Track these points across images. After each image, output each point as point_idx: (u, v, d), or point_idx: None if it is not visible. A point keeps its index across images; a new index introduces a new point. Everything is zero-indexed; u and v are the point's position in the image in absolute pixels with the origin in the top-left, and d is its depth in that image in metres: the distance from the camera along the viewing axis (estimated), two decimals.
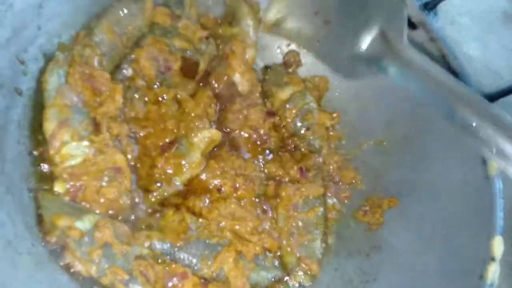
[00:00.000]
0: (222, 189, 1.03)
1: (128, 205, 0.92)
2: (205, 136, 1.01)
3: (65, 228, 0.83)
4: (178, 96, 1.04)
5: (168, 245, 0.91)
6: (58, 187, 0.88)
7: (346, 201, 1.12)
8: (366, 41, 0.87)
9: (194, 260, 0.92)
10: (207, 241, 0.94)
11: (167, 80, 1.05)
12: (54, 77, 0.94)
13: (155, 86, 1.04)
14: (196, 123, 1.02)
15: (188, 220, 0.95)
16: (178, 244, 0.92)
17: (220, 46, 1.11)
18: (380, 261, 1.01)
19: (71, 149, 0.89)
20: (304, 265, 1.02)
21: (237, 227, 0.99)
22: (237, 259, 0.94)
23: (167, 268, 0.89)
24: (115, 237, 0.85)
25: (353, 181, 1.13)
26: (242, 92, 1.08)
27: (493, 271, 0.85)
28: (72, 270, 0.83)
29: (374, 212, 1.07)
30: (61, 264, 0.83)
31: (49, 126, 0.90)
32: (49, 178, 0.91)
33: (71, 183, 0.89)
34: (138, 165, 0.98)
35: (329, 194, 1.12)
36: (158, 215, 0.95)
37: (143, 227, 0.94)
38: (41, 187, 0.89)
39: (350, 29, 0.88)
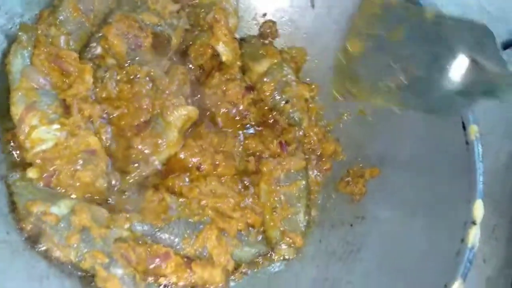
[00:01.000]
0: (202, 166, 1.01)
1: (104, 188, 0.90)
2: (181, 113, 0.99)
3: (40, 214, 0.81)
4: (152, 73, 1.01)
5: (149, 226, 0.90)
6: (31, 173, 0.86)
7: (327, 173, 1.11)
8: (457, 76, 0.82)
9: (176, 240, 0.91)
10: (189, 220, 0.93)
11: (138, 57, 1.01)
12: (18, 59, 0.90)
13: (126, 64, 1.00)
14: (172, 101, 0.99)
15: (168, 200, 0.93)
16: (158, 225, 0.90)
17: (201, 16, 1.07)
18: (364, 231, 1.00)
19: (41, 133, 0.86)
20: (288, 239, 1.01)
21: (218, 204, 0.98)
22: (219, 237, 0.93)
23: (148, 249, 0.87)
24: (93, 221, 0.83)
25: (334, 152, 1.12)
26: (227, 63, 1.05)
27: (474, 234, 0.85)
28: (50, 256, 0.81)
29: (356, 182, 1.06)
30: (38, 250, 0.81)
31: (16, 110, 0.87)
32: (20, 164, 0.88)
33: (44, 168, 0.86)
34: (113, 147, 0.95)
35: (310, 167, 1.10)
36: (136, 196, 0.93)
37: (122, 209, 0.91)
38: (14, 174, 0.86)
39: (434, 71, 0.82)
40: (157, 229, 0.90)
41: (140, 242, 0.88)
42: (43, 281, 0.77)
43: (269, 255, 1.01)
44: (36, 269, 0.78)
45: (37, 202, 0.82)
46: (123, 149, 0.97)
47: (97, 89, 0.97)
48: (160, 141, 0.97)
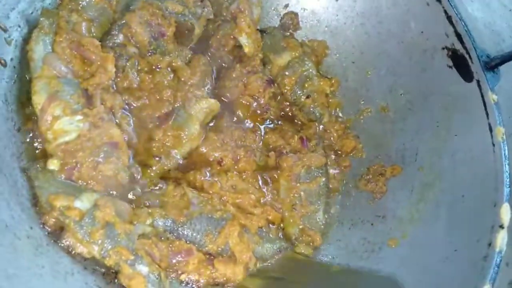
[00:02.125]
0: (223, 161, 0.99)
1: (126, 182, 0.88)
2: (203, 106, 0.97)
3: (64, 209, 0.78)
4: (173, 64, 0.98)
5: (171, 221, 0.88)
6: (52, 165, 0.83)
7: (347, 171, 1.10)
8: None
9: (198, 236, 0.89)
10: (210, 216, 0.91)
11: (160, 47, 0.98)
12: (39, 46, 0.86)
13: (148, 54, 0.97)
14: (194, 93, 0.97)
15: (189, 195, 0.91)
16: (181, 220, 0.88)
17: (224, 5, 1.04)
18: (385, 230, 0.99)
19: (64, 124, 0.83)
20: (306, 236, 1.00)
21: (239, 200, 0.96)
22: (241, 233, 0.91)
23: (171, 245, 0.85)
24: (117, 216, 0.81)
25: (354, 149, 1.10)
26: (249, 54, 1.03)
27: (502, 239, 0.85)
28: (73, 252, 0.79)
29: (377, 180, 1.05)
30: (62, 246, 0.78)
31: (38, 99, 0.83)
32: (42, 156, 0.85)
33: (66, 160, 0.83)
34: (134, 140, 0.93)
35: (330, 164, 1.09)
36: (158, 191, 0.91)
37: (144, 204, 0.89)
38: (35, 166, 0.83)
39: None
40: (179, 225, 0.88)
41: (162, 238, 0.86)
42: (68, 278, 0.75)
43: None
44: (60, 265, 0.76)
45: (60, 196, 0.79)
46: (144, 141, 0.94)
47: (118, 79, 0.93)
48: (182, 134, 0.95)
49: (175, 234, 0.88)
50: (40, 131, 0.83)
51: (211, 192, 0.95)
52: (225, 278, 0.89)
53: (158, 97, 0.95)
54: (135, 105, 0.94)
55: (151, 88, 0.95)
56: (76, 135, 0.83)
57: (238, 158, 1.00)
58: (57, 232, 0.79)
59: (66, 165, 0.83)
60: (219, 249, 0.90)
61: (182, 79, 0.98)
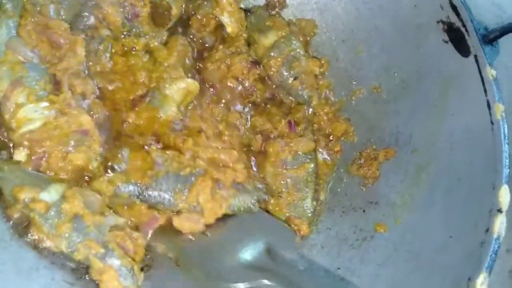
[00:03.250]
0: (203, 128, 0.92)
1: (97, 170, 0.83)
2: (180, 87, 0.91)
3: (29, 201, 0.74)
4: (150, 45, 0.93)
5: (134, 185, 0.83)
6: (19, 155, 0.78)
7: (338, 155, 1.05)
8: (250, 254, 0.85)
9: (167, 196, 0.84)
10: (178, 174, 0.85)
11: (135, 28, 0.93)
12: (2, 30, 0.82)
13: (122, 36, 0.92)
14: (170, 73, 0.91)
15: (153, 155, 0.85)
16: (145, 182, 0.83)
17: None
18: (378, 217, 0.94)
19: (28, 112, 0.79)
20: (293, 226, 0.95)
21: (217, 155, 0.90)
22: (213, 189, 0.85)
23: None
24: (86, 207, 0.76)
25: (345, 133, 1.05)
26: (232, 34, 0.97)
27: (500, 223, 0.79)
28: (40, 246, 0.75)
29: (369, 165, 1.00)
30: (27, 241, 0.74)
31: (1, 86, 0.79)
32: (7, 146, 0.81)
33: (33, 150, 0.79)
34: (107, 125, 0.88)
35: (320, 149, 1.04)
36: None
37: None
38: None
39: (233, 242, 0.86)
40: (144, 187, 0.83)
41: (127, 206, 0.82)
42: (32, 274, 0.71)
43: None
44: (24, 261, 0.72)
45: (25, 187, 0.75)
46: (117, 125, 0.89)
47: (90, 63, 0.88)
48: (157, 116, 0.90)
49: (141, 198, 0.83)
50: (3, 119, 0.79)
51: (184, 148, 0.88)
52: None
53: (132, 80, 0.90)
54: (107, 88, 0.89)
55: (125, 71, 0.90)
56: (42, 123, 0.79)
57: (221, 130, 0.94)
58: (22, 227, 0.75)
59: (33, 155, 0.79)
60: (191, 207, 0.84)
61: (159, 59, 0.92)
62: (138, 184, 0.83)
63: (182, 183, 0.84)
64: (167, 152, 0.86)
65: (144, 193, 0.83)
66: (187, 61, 0.96)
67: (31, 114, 0.79)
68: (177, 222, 0.83)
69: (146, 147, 0.87)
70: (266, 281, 0.79)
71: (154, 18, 0.97)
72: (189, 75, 0.95)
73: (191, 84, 0.92)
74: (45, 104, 0.80)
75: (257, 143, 0.98)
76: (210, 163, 0.87)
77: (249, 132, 1.00)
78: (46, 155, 0.80)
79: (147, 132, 0.90)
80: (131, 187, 0.82)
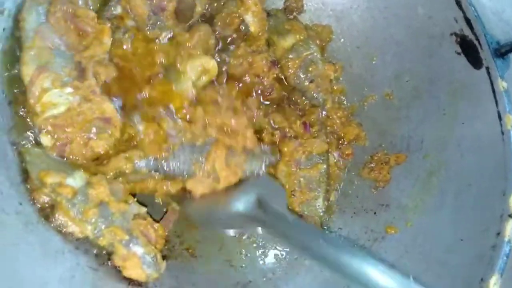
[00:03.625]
0: (219, 101, 0.93)
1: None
2: (197, 63, 0.90)
3: (55, 186, 0.74)
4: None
5: (152, 160, 0.83)
6: (45, 140, 0.78)
7: (349, 158, 1.07)
8: (243, 205, 0.89)
9: (186, 167, 0.85)
10: (193, 144, 0.86)
11: (160, 21, 0.94)
12: (32, 16, 0.82)
13: (146, 28, 0.93)
14: (189, 51, 0.91)
15: (165, 126, 0.85)
16: (163, 156, 0.84)
17: None
18: (389, 219, 0.97)
19: (53, 97, 0.79)
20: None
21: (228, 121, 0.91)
22: (228, 157, 0.87)
23: None
24: (111, 195, 0.77)
25: (357, 137, 1.07)
26: (254, 34, 0.99)
27: (511, 228, 0.82)
28: (65, 231, 0.75)
29: (380, 168, 1.02)
30: (53, 224, 0.74)
31: (27, 70, 0.79)
32: (33, 131, 0.80)
33: (56, 135, 0.79)
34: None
35: (332, 151, 1.06)
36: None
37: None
38: (26, 140, 0.78)
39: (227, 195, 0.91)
40: (162, 161, 0.83)
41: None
42: (58, 257, 0.71)
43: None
44: (50, 244, 0.72)
45: (51, 172, 0.75)
46: (132, 99, 0.89)
47: (112, 49, 0.88)
48: (171, 89, 0.89)
49: (160, 171, 0.84)
50: (28, 103, 0.79)
51: (194, 117, 0.88)
52: None
53: (150, 60, 0.90)
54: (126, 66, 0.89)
55: (143, 52, 0.90)
56: (66, 108, 0.79)
57: (234, 107, 0.95)
58: (48, 210, 0.75)
59: (58, 141, 0.79)
60: (209, 176, 0.86)
61: (180, 42, 0.92)
62: (156, 158, 0.83)
63: (198, 153, 0.85)
64: (179, 123, 0.86)
65: (164, 167, 0.84)
66: (209, 43, 0.95)
67: (56, 99, 0.79)
68: (191, 185, 0.85)
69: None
70: (259, 229, 0.84)
71: (177, 14, 0.98)
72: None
73: (209, 61, 0.91)
74: (70, 90, 0.80)
75: (275, 138, 0.99)
76: (220, 131, 0.88)
77: (261, 120, 1.00)
78: (69, 141, 0.79)
79: (160, 104, 0.90)
80: (149, 162, 0.83)
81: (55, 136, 0.80)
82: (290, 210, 0.91)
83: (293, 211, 0.94)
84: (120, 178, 0.82)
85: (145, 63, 0.91)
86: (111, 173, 0.82)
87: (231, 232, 0.92)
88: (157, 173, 0.84)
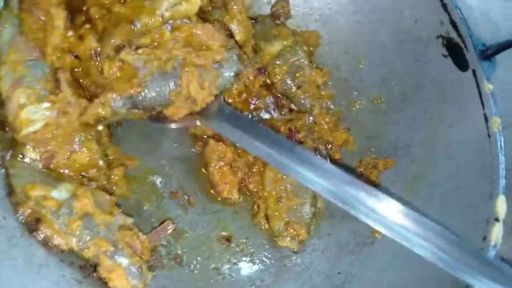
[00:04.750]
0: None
1: (104, 167, 0.84)
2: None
3: (40, 199, 0.75)
4: None
5: (127, 97, 0.81)
6: (30, 154, 0.79)
7: (337, 163, 1.07)
8: None
9: (162, 97, 0.84)
10: (163, 71, 0.83)
11: None
12: (7, 29, 0.81)
13: None
14: None
15: (129, 59, 0.80)
16: (136, 91, 0.81)
17: None
18: None
19: (30, 113, 0.79)
20: (292, 230, 0.97)
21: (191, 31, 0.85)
22: (200, 77, 0.84)
23: None
24: (96, 206, 0.77)
25: (345, 142, 1.07)
26: (240, 42, 0.99)
27: (497, 232, 0.82)
28: (49, 244, 0.75)
29: (369, 173, 1.03)
30: (37, 238, 0.75)
31: (4, 86, 0.79)
32: (16, 144, 0.81)
33: (40, 150, 0.79)
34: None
35: (319, 157, 1.06)
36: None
37: None
38: (11, 154, 0.79)
39: None
40: (138, 96, 0.82)
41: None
42: (42, 270, 0.72)
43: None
44: (34, 257, 0.72)
45: (36, 185, 0.75)
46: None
47: None
48: (144, 5, 0.83)
49: (139, 107, 0.83)
50: (7, 120, 0.79)
51: (162, 41, 0.84)
52: None
53: None
54: None
55: None
56: (43, 124, 0.79)
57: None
58: (33, 223, 0.75)
59: (43, 155, 0.79)
60: (185, 100, 0.85)
61: None
62: (130, 96, 0.82)
63: (170, 78, 0.83)
64: (140, 51, 0.82)
65: (141, 101, 0.82)
66: None
67: (33, 116, 0.79)
68: (170, 112, 0.85)
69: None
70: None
71: None
72: None
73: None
74: (46, 104, 0.80)
75: None
76: (186, 47, 0.85)
77: None
78: (55, 154, 0.80)
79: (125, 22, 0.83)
80: (124, 100, 0.81)
81: (38, 150, 0.80)
82: None
83: None
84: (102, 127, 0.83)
85: None
86: (92, 121, 0.81)
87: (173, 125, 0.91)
88: (136, 109, 0.83)
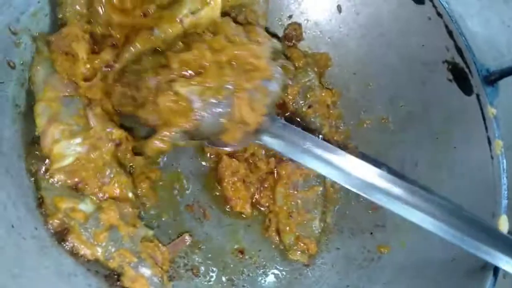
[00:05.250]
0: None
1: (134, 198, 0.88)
2: None
3: (68, 211, 0.79)
4: None
5: (183, 133, 0.82)
6: (60, 177, 0.83)
7: None
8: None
9: (216, 126, 0.84)
10: (216, 101, 0.81)
11: None
12: (40, 70, 0.87)
13: None
14: None
15: (183, 92, 0.79)
16: (192, 125, 0.80)
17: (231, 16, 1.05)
18: (385, 239, 1.00)
19: (62, 149, 0.83)
20: (302, 244, 1.00)
21: (237, 52, 0.85)
22: (251, 101, 0.84)
23: None
24: (120, 219, 0.81)
25: None
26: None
27: None
28: (77, 253, 0.79)
29: None
30: (66, 247, 0.79)
31: (40, 122, 0.84)
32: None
33: (70, 180, 0.84)
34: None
35: None
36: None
37: None
38: (41, 169, 0.83)
39: None
40: (194, 128, 0.81)
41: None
42: (71, 279, 0.75)
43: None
44: (63, 267, 0.76)
45: (64, 198, 0.80)
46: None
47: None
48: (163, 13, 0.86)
49: (196, 138, 0.84)
50: (43, 152, 0.84)
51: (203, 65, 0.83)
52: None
53: None
54: None
55: None
56: (74, 158, 0.83)
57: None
58: (62, 234, 0.79)
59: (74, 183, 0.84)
60: (238, 124, 0.86)
61: None
62: (186, 130, 0.82)
63: (222, 106, 0.83)
64: (192, 82, 0.81)
65: (195, 133, 0.83)
66: None
67: (65, 151, 0.84)
68: (226, 138, 0.85)
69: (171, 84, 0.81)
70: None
71: None
72: None
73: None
74: (79, 140, 0.84)
75: (270, 165, 1.04)
76: (232, 70, 0.83)
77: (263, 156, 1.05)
78: (84, 182, 0.84)
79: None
80: (182, 134, 0.82)
81: (69, 181, 0.84)
82: None
83: None
84: None
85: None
86: (152, 155, 0.84)
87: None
88: (193, 140, 0.84)
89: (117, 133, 0.89)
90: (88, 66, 0.86)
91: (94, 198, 0.83)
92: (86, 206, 0.81)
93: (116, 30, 0.89)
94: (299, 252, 1.00)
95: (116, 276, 0.82)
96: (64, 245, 0.79)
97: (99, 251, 0.79)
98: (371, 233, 1.03)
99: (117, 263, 0.79)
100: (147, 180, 0.93)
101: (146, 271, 0.80)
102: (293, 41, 1.18)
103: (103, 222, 0.80)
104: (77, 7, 0.88)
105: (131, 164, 0.92)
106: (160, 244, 0.86)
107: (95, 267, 0.81)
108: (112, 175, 0.85)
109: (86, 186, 0.84)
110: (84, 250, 0.79)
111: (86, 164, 0.84)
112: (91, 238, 0.79)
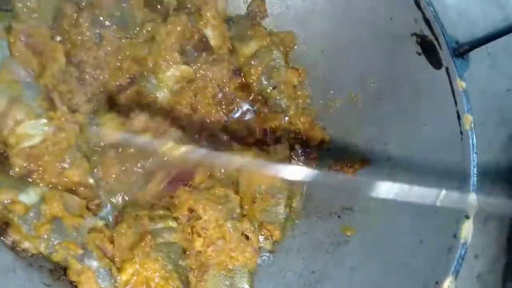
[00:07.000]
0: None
1: (93, 185, 0.84)
2: (176, 73, 0.93)
3: (7, 203, 0.75)
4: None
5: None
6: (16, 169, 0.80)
7: (313, 164, 1.07)
8: None
9: None
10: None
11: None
12: None
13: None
14: (166, 58, 0.93)
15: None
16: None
17: None
18: (352, 222, 0.97)
19: (28, 128, 0.80)
20: (265, 231, 0.97)
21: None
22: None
23: None
24: (65, 210, 0.77)
25: (321, 141, 1.07)
26: (215, 47, 0.99)
27: (467, 229, 0.82)
28: (18, 248, 0.75)
29: (345, 172, 1.02)
30: (6, 242, 0.75)
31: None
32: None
33: (30, 166, 0.81)
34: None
35: (295, 157, 1.06)
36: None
37: None
38: None
39: None
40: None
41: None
42: (8, 274, 0.72)
43: None
44: (1, 262, 0.72)
45: (3, 189, 0.75)
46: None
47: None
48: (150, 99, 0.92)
49: None
50: (1, 135, 0.80)
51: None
52: None
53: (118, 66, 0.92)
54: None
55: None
56: (41, 139, 0.81)
57: None
58: (1, 228, 0.75)
59: (28, 168, 0.80)
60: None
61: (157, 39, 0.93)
62: None
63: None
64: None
65: None
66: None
67: (31, 130, 0.81)
68: None
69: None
70: None
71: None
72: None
73: (188, 70, 0.94)
74: (44, 120, 0.82)
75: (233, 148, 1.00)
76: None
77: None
78: (41, 169, 0.81)
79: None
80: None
81: (29, 166, 0.81)
82: None
83: None
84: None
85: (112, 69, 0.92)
86: None
87: None
88: None
89: (81, 116, 0.86)
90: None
91: (43, 187, 0.78)
92: (27, 197, 0.77)
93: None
94: (262, 238, 0.96)
95: (62, 270, 0.78)
96: (4, 239, 0.75)
97: (41, 245, 0.75)
98: (339, 216, 0.99)
99: (61, 256, 0.75)
100: None
101: (93, 263, 0.76)
102: (257, 19, 1.13)
103: (44, 214, 0.76)
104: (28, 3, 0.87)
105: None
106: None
107: (39, 261, 0.77)
108: (73, 159, 0.82)
109: (44, 173, 0.80)
110: (25, 244, 0.75)
111: (51, 146, 0.81)
112: (32, 231, 0.75)
